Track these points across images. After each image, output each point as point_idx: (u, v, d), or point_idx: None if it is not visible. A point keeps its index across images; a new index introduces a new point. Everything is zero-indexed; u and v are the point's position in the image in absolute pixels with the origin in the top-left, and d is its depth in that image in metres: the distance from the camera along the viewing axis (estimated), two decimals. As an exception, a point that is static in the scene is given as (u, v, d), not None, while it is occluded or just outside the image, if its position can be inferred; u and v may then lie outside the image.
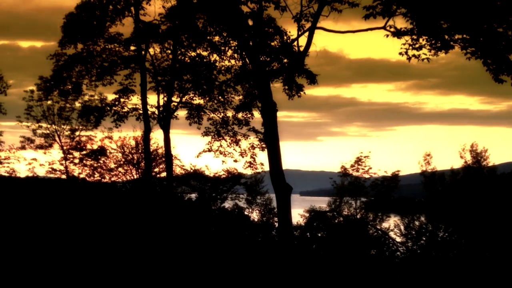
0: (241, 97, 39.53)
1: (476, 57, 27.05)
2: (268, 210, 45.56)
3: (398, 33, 28.36)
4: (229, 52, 38.26)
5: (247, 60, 34.65)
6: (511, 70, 26.74)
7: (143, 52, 38.98)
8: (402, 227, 42.09)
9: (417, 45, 27.93)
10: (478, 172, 45.45)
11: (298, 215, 42.15)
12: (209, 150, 41.12)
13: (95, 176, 46.17)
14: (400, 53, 28.21)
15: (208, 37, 37.62)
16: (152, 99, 40.42)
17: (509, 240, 39.69)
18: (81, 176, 46.07)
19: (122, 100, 39.78)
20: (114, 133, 46.18)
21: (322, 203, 45.97)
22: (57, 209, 39.60)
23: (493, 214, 41.53)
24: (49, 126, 45.50)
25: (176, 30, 37.56)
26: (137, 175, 46.77)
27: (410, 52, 28.09)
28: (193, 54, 39.21)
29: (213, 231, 41.57)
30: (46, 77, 40.68)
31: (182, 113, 41.21)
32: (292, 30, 34.09)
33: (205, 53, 39.06)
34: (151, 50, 39.61)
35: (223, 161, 41.68)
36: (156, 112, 39.98)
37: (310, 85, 33.43)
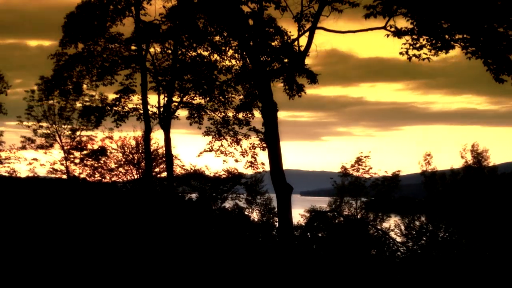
0: (241, 97, 39.55)
1: (477, 57, 27.09)
2: (268, 210, 45.57)
3: (398, 33, 28.39)
4: (230, 52, 38.30)
5: (248, 60, 34.67)
6: (511, 70, 26.77)
7: (143, 52, 38.99)
8: (402, 227, 42.11)
9: (417, 45, 27.98)
10: (479, 172, 45.44)
11: (298, 215, 42.15)
12: (210, 150, 41.16)
13: (96, 176, 46.19)
14: (401, 53, 28.27)
15: (209, 37, 37.62)
16: (152, 99, 40.50)
17: (510, 240, 39.69)
18: (82, 176, 46.09)
19: (122, 100, 39.78)
20: (114, 133, 46.24)
21: (322, 203, 45.97)
22: (58, 209, 39.61)
23: (493, 214, 41.52)
24: (49, 126, 45.52)
25: (176, 30, 37.56)
26: (138, 175, 46.78)
27: (411, 52, 28.14)
28: (193, 54, 39.21)
29: (214, 231, 41.59)
30: (47, 77, 40.72)
31: (182, 112, 41.27)
32: (292, 30, 34.16)
33: (205, 53, 39.08)
34: (151, 50, 39.64)
35: (224, 161, 41.76)
36: (157, 112, 39.99)
37: (310, 84, 33.48)
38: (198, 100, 40.81)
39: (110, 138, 46.70)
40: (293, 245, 33.30)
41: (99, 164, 46.33)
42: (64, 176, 45.81)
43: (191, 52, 39.29)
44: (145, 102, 39.45)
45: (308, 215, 41.98)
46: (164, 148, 41.97)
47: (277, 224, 41.24)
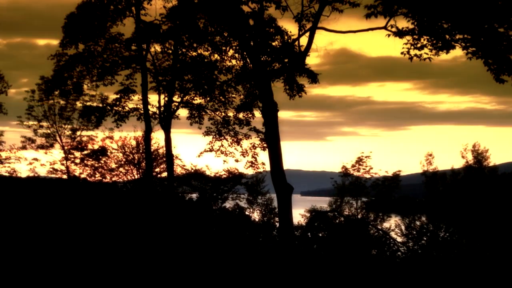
0: (242, 97, 39.56)
1: (477, 57, 27.09)
2: (269, 210, 45.53)
3: (399, 33, 28.40)
4: (230, 52, 38.30)
5: (248, 60, 34.65)
6: (511, 70, 26.77)
7: (144, 52, 38.98)
8: (403, 227, 42.08)
9: (418, 45, 27.98)
10: (479, 172, 45.41)
11: (299, 215, 42.12)
12: (210, 150, 41.18)
13: (96, 176, 46.20)
14: (402, 53, 28.27)
15: (209, 37, 37.61)
16: (153, 99, 40.51)
17: (510, 240, 39.67)
18: (82, 176, 46.10)
19: (123, 100, 39.77)
20: (115, 133, 46.25)
21: (323, 203, 45.90)
22: (58, 209, 39.60)
23: (494, 214, 41.50)
24: (50, 126, 45.52)
25: (177, 30, 37.56)
26: (138, 175, 46.80)
27: (412, 52, 28.16)
28: (194, 54, 39.21)
29: (214, 231, 41.57)
30: (47, 77, 40.72)
31: (183, 112, 41.30)
32: (293, 30, 34.16)
33: (206, 53, 39.07)
34: (152, 50, 39.64)
35: (224, 161, 41.77)
36: (157, 112, 39.99)
37: (311, 84, 33.46)
38: (198, 100, 40.86)
39: (111, 138, 46.74)
40: (293, 245, 33.30)
41: (100, 164, 46.34)
42: (65, 176, 45.82)
43: (191, 52, 39.30)
44: (145, 102, 39.45)
45: (308, 215, 41.94)
46: (164, 148, 41.99)
47: (277, 224, 41.23)
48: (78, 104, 44.66)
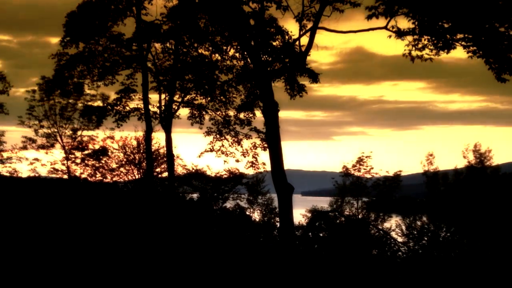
0: (242, 97, 39.54)
1: (478, 57, 27.08)
2: (269, 210, 45.49)
3: (400, 33, 28.37)
4: (231, 52, 38.29)
5: (249, 60, 34.62)
6: (513, 70, 26.77)
7: (144, 52, 38.99)
8: (403, 227, 42.01)
9: (419, 45, 27.98)
10: (481, 172, 45.34)
11: (299, 215, 42.09)
12: (211, 150, 41.17)
13: (97, 176, 46.20)
14: (404, 55, 28.30)
15: (210, 37, 37.61)
16: (153, 99, 40.51)
17: (511, 240, 39.64)
18: (83, 176, 46.11)
19: (123, 100, 39.78)
20: (115, 133, 46.25)
21: (323, 203, 45.83)
22: (59, 209, 39.60)
23: (495, 214, 41.47)
24: (51, 126, 45.54)
25: (177, 30, 37.55)
26: (139, 175, 46.80)
27: (414, 53, 28.17)
28: (195, 53, 39.21)
29: (215, 231, 41.55)
30: (48, 77, 40.73)
31: (184, 112, 41.27)
32: (293, 30, 34.12)
33: (206, 53, 39.09)
34: (152, 50, 39.64)
35: (225, 161, 41.75)
36: (158, 112, 39.99)
37: (312, 84, 33.44)
38: (199, 100, 40.84)
39: (111, 138, 46.73)
40: (294, 245, 33.28)
41: (100, 164, 46.34)
42: (65, 176, 45.83)
43: (192, 52, 39.29)
44: (146, 102, 39.45)
45: (309, 215, 41.90)
46: (165, 148, 41.98)
47: (278, 224, 41.21)
48: (79, 104, 44.71)
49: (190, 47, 39.02)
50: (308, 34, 31.23)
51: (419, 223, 42.06)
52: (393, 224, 42.48)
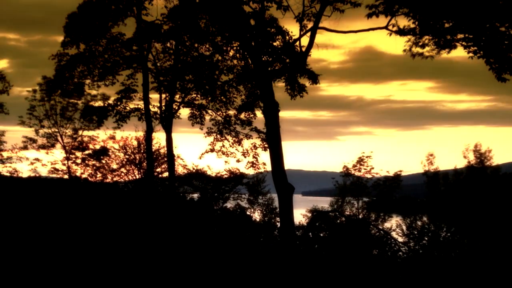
0: (243, 97, 39.55)
1: (479, 57, 27.09)
2: (270, 210, 45.53)
3: (400, 33, 28.40)
4: (231, 52, 38.20)
5: (249, 60, 34.65)
6: (513, 69, 26.77)
7: (145, 52, 39.00)
8: (404, 227, 42.01)
9: (420, 43, 28.01)
10: (481, 172, 45.35)
11: (300, 215, 42.11)
12: (212, 150, 41.20)
13: (97, 176, 46.24)
14: (404, 51, 28.31)
15: (210, 37, 37.59)
16: (154, 99, 40.52)
17: (511, 240, 39.64)
18: (83, 176, 46.16)
19: (124, 100, 39.78)
20: (116, 133, 46.28)
21: (324, 203, 45.86)
22: (60, 209, 39.62)
23: (495, 214, 41.47)
24: (51, 126, 45.59)
25: (178, 30, 37.55)
26: (139, 175, 46.84)
27: (414, 50, 28.21)
28: (195, 54, 39.21)
29: (215, 231, 41.57)
30: (49, 77, 40.77)
31: (184, 112, 41.30)
32: (294, 30, 34.13)
33: (207, 53, 39.07)
34: (153, 50, 39.66)
35: (225, 161, 41.78)
36: (158, 112, 40.01)
37: (312, 84, 33.45)
38: (199, 100, 40.87)
39: (112, 138, 46.77)
40: (294, 245, 33.29)
41: (101, 164, 46.40)
42: (66, 176, 45.88)
43: (192, 52, 39.29)
44: (146, 102, 39.46)
45: (309, 215, 41.90)
46: (165, 148, 42.00)
47: (278, 224, 41.22)
48: (80, 104, 44.75)
49: (191, 47, 39.03)
50: (308, 34, 31.27)
51: (419, 223, 42.06)
52: (394, 224, 42.48)
